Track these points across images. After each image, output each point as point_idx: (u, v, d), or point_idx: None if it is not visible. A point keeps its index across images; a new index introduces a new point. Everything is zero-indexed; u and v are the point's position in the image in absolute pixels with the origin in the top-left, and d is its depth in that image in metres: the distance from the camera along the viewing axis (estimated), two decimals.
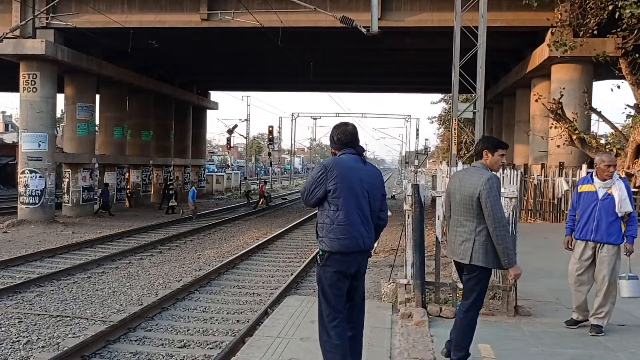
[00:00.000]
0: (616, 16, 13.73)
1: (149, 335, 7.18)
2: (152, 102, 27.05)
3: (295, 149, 75.96)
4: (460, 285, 6.09)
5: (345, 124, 3.84)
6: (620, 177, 5.17)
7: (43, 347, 6.64)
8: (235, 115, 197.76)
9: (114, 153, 24.20)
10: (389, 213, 4.01)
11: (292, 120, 58.97)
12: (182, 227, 18.76)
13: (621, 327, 5.43)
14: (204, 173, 36.22)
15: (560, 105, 15.54)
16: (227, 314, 8.28)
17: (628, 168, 14.69)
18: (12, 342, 6.75)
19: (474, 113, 14.75)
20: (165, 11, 17.72)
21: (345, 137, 3.76)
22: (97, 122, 23.96)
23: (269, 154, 48.45)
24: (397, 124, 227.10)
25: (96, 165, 22.81)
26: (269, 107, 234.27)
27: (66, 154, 21.53)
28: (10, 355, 6.37)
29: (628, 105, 15.87)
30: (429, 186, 12.01)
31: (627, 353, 4.73)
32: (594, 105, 16.54)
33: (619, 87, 16.79)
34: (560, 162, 16.38)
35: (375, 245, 4.05)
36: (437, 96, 44.06)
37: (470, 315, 4.15)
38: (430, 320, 5.59)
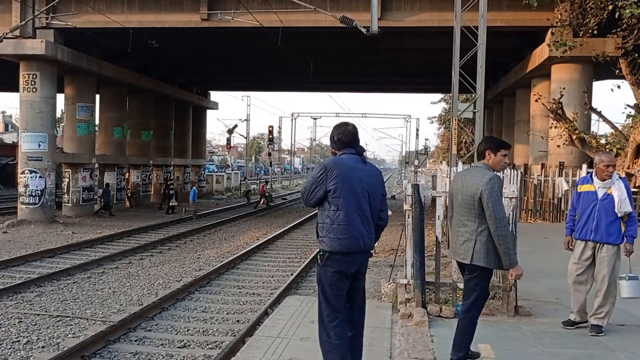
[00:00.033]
0: (616, 16, 13.73)
1: (149, 335, 7.18)
2: (152, 102, 27.05)
3: (295, 149, 75.98)
4: (461, 285, 6.10)
5: (346, 124, 3.84)
6: (619, 177, 5.17)
7: (43, 347, 6.64)
8: (235, 115, 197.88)
9: (114, 153, 24.21)
10: (390, 213, 4.01)
11: (292, 120, 59.00)
12: (182, 227, 18.76)
13: (621, 327, 5.43)
14: (204, 173, 36.22)
15: (560, 105, 15.54)
16: (227, 314, 8.28)
17: (628, 168, 14.69)
18: (12, 342, 6.75)
19: (474, 113, 14.74)
20: (165, 11, 17.72)
21: (346, 137, 3.76)
22: (97, 122, 23.97)
23: (269, 154, 48.47)
24: (397, 124, 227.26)
25: (96, 165, 22.82)
26: (269, 107, 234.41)
27: (66, 154, 21.53)
28: (10, 355, 6.37)
29: (628, 105, 15.88)
30: (429, 186, 12.02)
31: (627, 353, 4.73)
32: (594, 105, 16.55)
33: (619, 87, 16.81)
34: (560, 162, 16.38)
35: (375, 245, 4.06)
36: (437, 96, 44.09)
37: (471, 315, 4.15)
38: (430, 320, 5.59)
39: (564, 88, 15.93)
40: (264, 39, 17.19)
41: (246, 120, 48.48)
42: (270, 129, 43.86)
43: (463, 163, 10.60)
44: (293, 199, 34.53)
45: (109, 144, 24.33)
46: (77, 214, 20.99)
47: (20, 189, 18.92)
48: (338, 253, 3.58)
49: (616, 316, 5.41)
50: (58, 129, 35.55)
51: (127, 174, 25.95)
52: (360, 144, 3.87)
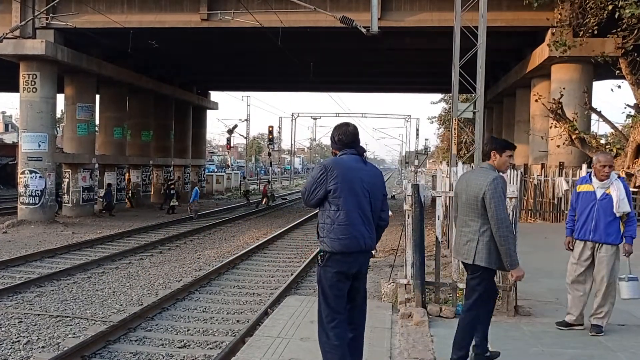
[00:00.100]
0: (616, 16, 13.73)
1: (149, 335, 7.18)
2: (152, 102, 27.05)
3: (295, 149, 76.00)
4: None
5: (346, 124, 3.84)
6: (618, 177, 5.17)
7: (43, 347, 6.64)
8: (235, 115, 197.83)
9: (114, 153, 24.21)
10: (390, 213, 4.01)
11: (292, 120, 59.03)
12: (182, 227, 18.76)
13: (621, 327, 5.43)
14: (204, 173, 36.23)
15: (560, 105, 15.54)
16: (227, 314, 8.28)
17: (628, 168, 14.69)
18: (12, 342, 6.75)
19: (474, 113, 14.73)
20: (165, 11, 17.72)
21: (346, 137, 3.76)
22: (97, 122, 23.97)
23: (269, 154, 48.46)
24: (397, 124, 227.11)
25: (96, 166, 22.82)
26: (269, 107, 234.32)
27: (66, 154, 21.53)
28: (10, 355, 6.38)
29: (628, 105, 15.88)
30: (429, 186, 12.02)
31: (627, 353, 4.73)
32: (594, 105, 16.55)
33: (619, 87, 16.82)
34: (560, 162, 16.38)
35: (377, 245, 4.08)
36: (437, 96, 44.09)
37: (472, 314, 4.15)
38: (430, 320, 5.60)
39: (564, 88, 15.93)
40: (264, 39, 17.19)
41: (246, 120, 48.49)
42: (270, 129, 43.85)
43: (463, 163, 10.59)
44: (293, 199, 34.54)
45: (109, 144, 24.33)
46: (77, 214, 20.99)
47: (20, 189, 18.92)
48: (339, 253, 3.58)
49: (616, 316, 5.41)
50: (58, 129, 35.55)
51: (127, 174, 25.97)
52: (361, 144, 3.87)
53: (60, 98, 23.16)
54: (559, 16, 15.88)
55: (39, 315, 7.91)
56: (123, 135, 24.68)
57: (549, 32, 16.35)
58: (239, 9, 16.43)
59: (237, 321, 7.82)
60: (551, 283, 7.18)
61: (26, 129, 18.76)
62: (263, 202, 28.54)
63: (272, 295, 9.05)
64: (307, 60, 22.08)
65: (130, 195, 25.71)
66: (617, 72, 15.20)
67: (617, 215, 5.03)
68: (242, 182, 41.00)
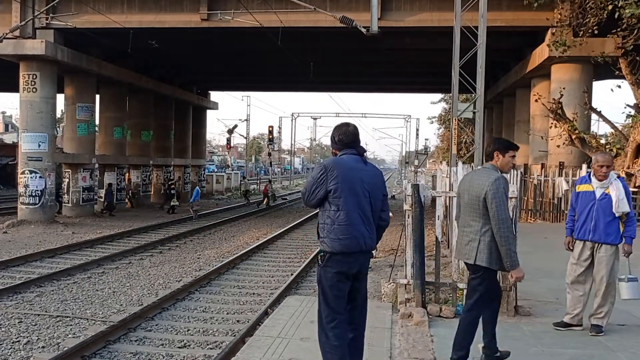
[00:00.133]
0: (616, 16, 13.73)
1: (149, 335, 7.18)
2: (152, 102, 27.05)
3: (295, 149, 75.99)
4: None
5: (347, 124, 3.83)
6: (618, 177, 5.17)
7: (43, 347, 6.64)
8: (235, 115, 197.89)
9: (114, 153, 24.22)
10: (390, 214, 4.01)
11: (292, 120, 59.03)
12: (182, 227, 18.76)
13: (621, 327, 5.43)
14: (204, 173, 36.24)
15: (560, 105, 15.54)
16: (227, 314, 8.28)
17: (628, 168, 14.69)
18: (12, 343, 6.75)
19: (474, 113, 14.74)
20: (165, 11, 17.72)
21: (347, 137, 3.76)
22: (97, 122, 23.97)
23: (269, 154, 48.52)
24: (397, 124, 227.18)
25: (96, 166, 22.83)
26: (269, 107, 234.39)
27: (66, 154, 21.53)
28: (10, 355, 6.38)
29: (628, 105, 15.88)
30: (429, 186, 12.02)
31: (627, 353, 4.73)
32: (594, 105, 16.55)
33: (619, 87, 16.80)
34: (560, 162, 16.38)
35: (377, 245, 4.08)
36: (437, 96, 44.09)
37: (473, 314, 4.16)
38: (430, 320, 5.60)
39: (563, 88, 15.93)
40: (264, 39, 17.19)
41: (246, 120, 48.49)
42: (270, 129, 43.87)
43: (463, 163, 10.59)
44: (293, 199, 34.54)
45: (109, 144, 24.34)
46: (77, 214, 20.99)
47: (20, 189, 18.92)
48: (339, 253, 3.58)
49: (616, 316, 5.41)
50: (58, 129, 35.56)
51: (127, 174, 25.98)
52: (361, 144, 3.87)
53: (60, 98, 23.18)
54: (559, 16, 15.88)
55: (39, 315, 7.92)
56: (123, 135, 24.68)
57: (549, 32, 16.35)
58: (239, 9, 16.43)
59: (237, 321, 7.82)
60: (551, 283, 7.18)
61: (26, 129, 18.77)
62: (264, 202, 28.58)
63: (272, 295, 9.05)
64: (307, 60, 22.08)
65: (130, 195, 25.72)
66: (617, 72, 15.20)
67: (617, 215, 5.03)
68: (242, 182, 41.00)
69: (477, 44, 14.13)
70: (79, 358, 6.19)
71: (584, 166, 14.56)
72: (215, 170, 51.98)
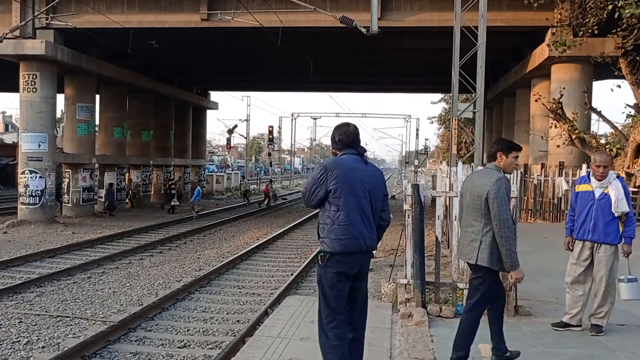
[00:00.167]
0: (616, 16, 13.73)
1: (149, 335, 7.18)
2: (152, 102, 27.05)
3: (295, 149, 76.00)
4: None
5: (347, 124, 3.83)
6: (617, 177, 5.17)
7: (43, 347, 6.64)
8: (235, 115, 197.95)
9: (114, 153, 24.22)
10: (390, 215, 4.01)
11: (292, 120, 59.03)
12: (182, 227, 18.76)
13: (621, 327, 5.43)
14: (204, 173, 36.25)
15: (560, 105, 15.54)
16: (227, 314, 8.28)
17: (628, 168, 14.69)
18: (13, 343, 6.75)
19: (474, 113, 14.75)
20: (165, 11, 17.73)
21: (347, 137, 3.75)
22: (97, 122, 23.97)
23: (269, 154, 48.55)
24: (397, 124, 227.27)
25: (96, 166, 22.84)
26: (269, 107, 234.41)
27: (66, 154, 21.53)
28: (10, 355, 6.38)
29: (628, 105, 15.88)
30: (429, 186, 12.02)
31: (627, 353, 4.73)
32: (594, 105, 16.55)
33: (619, 86, 16.79)
34: (560, 162, 16.38)
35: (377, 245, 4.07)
36: (437, 96, 44.10)
37: (474, 314, 4.16)
38: (430, 320, 5.60)
39: (563, 88, 15.93)
40: (264, 39, 17.19)
41: (246, 120, 48.47)
42: (270, 129, 43.87)
43: (463, 163, 10.59)
44: (293, 199, 34.53)
45: (109, 144, 24.33)
46: (77, 214, 20.99)
47: (21, 189, 18.92)
48: (339, 254, 3.57)
49: (616, 316, 5.41)
50: (58, 129, 35.57)
51: (127, 174, 26.00)
52: (361, 144, 3.87)
53: (60, 98, 23.18)
54: (559, 16, 15.89)
55: (39, 315, 7.92)
56: (123, 135, 24.68)
57: (549, 32, 16.36)
58: (239, 9, 16.43)
59: (237, 321, 7.82)
60: (551, 283, 7.18)
61: (26, 129, 18.77)
62: (265, 202, 28.68)
63: (272, 295, 9.05)
64: (307, 60, 22.08)
65: (131, 195, 25.74)
66: (617, 72, 15.20)
67: (616, 215, 5.03)
68: (241, 182, 41.01)
69: (477, 44, 14.14)
70: (79, 358, 6.19)
71: (584, 166, 14.56)
72: (215, 170, 51.98)
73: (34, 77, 18.47)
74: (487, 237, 4.04)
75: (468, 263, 4.25)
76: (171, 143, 29.51)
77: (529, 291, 6.61)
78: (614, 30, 14.51)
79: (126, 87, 24.32)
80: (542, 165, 16.75)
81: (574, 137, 15.59)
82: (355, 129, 3.81)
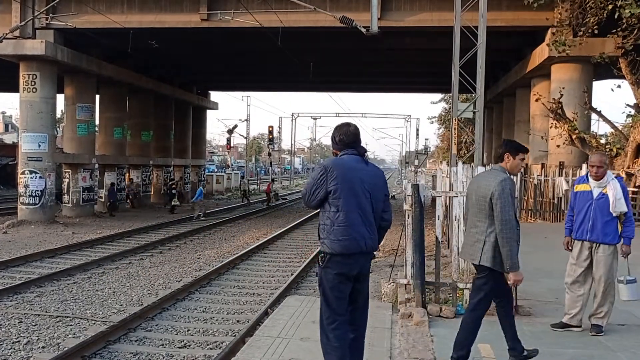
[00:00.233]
0: (616, 16, 13.73)
1: (149, 335, 7.18)
2: (152, 102, 27.06)
3: (295, 149, 75.98)
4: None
5: (347, 124, 3.82)
6: (615, 177, 5.17)
7: (43, 347, 6.65)
8: (235, 115, 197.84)
9: (114, 153, 24.22)
10: (391, 216, 4.00)
11: (292, 120, 59.03)
12: (182, 228, 18.77)
13: (621, 327, 5.43)
14: (204, 173, 36.26)
15: (560, 105, 15.54)
16: (228, 314, 8.28)
17: (628, 168, 14.69)
18: (13, 343, 6.75)
19: (474, 113, 14.75)
20: (165, 11, 17.73)
21: (347, 137, 3.74)
22: (97, 122, 23.98)
23: (269, 154, 48.51)
24: (397, 124, 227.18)
25: (96, 166, 22.84)
26: (269, 107, 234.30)
27: (66, 154, 21.53)
28: (10, 355, 6.38)
29: (628, 105, 15.89)
30: (429, 186, 12.02)
31: (627, 353, 4.73)
32: (594, 105, 16.55)
33: (619, 86, 16.80)
34: (560, 162, 16.39)
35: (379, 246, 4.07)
36: (437, 96, 44.09)
37: (476, 314, 4.17)
38: (430, 320, 5.60)
39: (563, 88, 15.93)
40: (264, 39, 17.20)
41: (246, 120, 48.44)
42: (270, 129, 43.85)
43: (463, 163, 10.59)
44: (293, 199, 34.53)
45: (109, 144, 24.34)
46: (77, 214, 20.99)
47: (21, 189, 18.92)
48: (339, 255, 3.56)
49: (616, 316, 5.41)
50: (58, 129, 35.56)
51: (127, 175, 26.01)
52: (362, 144, 3.87)
53: (60, 98, 23.18)
54: (559, 16, 15.89)
55: (39, 315, 7.92)
56: (123, 135, 24.68)
57: (549, 32, 16.36)
58: (239, 9, 16.43)
59: (237, 321, 7.82)
60: (551, 283, 7.18)
61: (26, 129, 18.77)
62: (267, 202, 28.86)
63: (272, 295, 9.05)
64: (307, 60, 22.08)
65: (132, 195, 25.76)
66: (617, 72, 15.19)
67: (614, 215, 5.03)
68: (241, 182, 41.01)
69: (477, 44, 14.14)
70: (79, 358, 6.19)
71: (584, 166, 14.54)
72: (215, 170, 51.99)
73: (34, 77, 18.47)
74: (491, 237, 4.04)
75: (472, 263, 4.26)
76: (171, 143, 29.51)
77: (529, 291, 6.61)
78: (614, 30, 14.51)
79: (126, 87, 24.32)
80: (542, 165, 16.75)
81: (574, 137, 15.59)
82: (356, 129, 3.79)
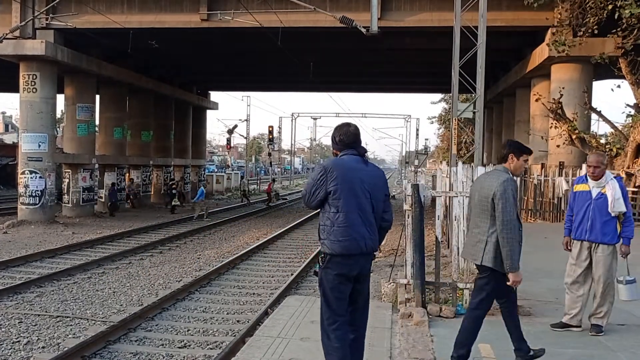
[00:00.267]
0: (616, 16, 13.74)
1: (149, 335, 7.18)
2: (152, 102, 27.06)
3: (295, 149, 75.98)
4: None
5: (348, 124, 3.81)
6: (614, 177, 5.18)
7: (43, 347, 6.65)
8: (235, 116, 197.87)
9: (114, 153, 24.22)
10: (392, 216, 4.00)
11: (292, 120, 59.02)
12: (182, 228, 18.77)
13: (621, 326, 5.43)
14: (204, 173, 36.26)
15: (560, 105, 15.54)
16: (227, 314, 8.29)
17: (628, 168, 14.69)
18: (13, 343, 6.75)
19: (474, 113, 14.74)
20: (165, 11, 17.73)
21: (348, 138, 3.74)
22: (97, 122, 23.98)
23: (269, 154, 48.53)
24: (397, 124, 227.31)
25: (96, 166, 22.84)
26: (269, 107, 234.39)
27: (66, 154, 21.53)
28: (10, 355, 6.38)
29: (628, 105, 15.89)
30: (429, 186, 12.02)
31: (627, 353, 4.73)
32: (594, 105, 16.55)
33: (619, 86, 16.81)
34: (560, 162, 16.39)
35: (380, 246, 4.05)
36: (437, 96, 44.10)
37: (476, 314, 4.17)
38: (430, 320, 5.60)
39: (563, 88, 15.94)
40: (264, 39, 17.20)
41: (246, 120, 48.43)
42: (270, 129, 43.85)
43: (463, 163, 10.59)
44: (293, 199, 34.53)
45: (109, 144, 24.34)
46: (77, 215, 20.99)
47: (21, 189, 18.92)
48: (339, 255, 3.56)
49: (616, 316, 5.41)
50: (58, 129, 35.57)
51: (127, 175, 26.01)
52: (362, 144, 3.86)
53: (60, 98, 23.19)
54: (559, 16, 15.89)
55: (39, 315, 7.92)
56: (123, 135, 24.68)
57: (549, 31, 16.36)
58: (239, 9, 16.44)
59: (237, 321, 7.82)
60: (551, 283, 7.18)
61: (26, 129, 18.77)
62: (269, 201, 28.95)
63: (272, 295, 9.05)
64: (307, 60, 22.08)
65: (133, 195, 25.77)
66: (617, 72, 15.20)
67: (613, 215, 5.03)
68: (241, 183, 41.01)
69: (477, 44, 14.14)
70: (79, 358, 6.19)
71: (584, 166, 14.54)
72: (215, 170, 51.98)
73: (34, 77, 18.47)
74: (493, 238, 4.05)
75: (474, 263, 4.27)
76: (171, 143, 29.52)
77: (529, 291, 6.61)
78: (614, 30, 14.51)
79: (126, 87, 24.32)
80: (542, 165, 16.75)
81: (574, 137, 15.60)
82: (356, 129, 3.78)
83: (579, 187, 5.29)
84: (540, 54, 17.12)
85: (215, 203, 30.49)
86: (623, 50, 14.89)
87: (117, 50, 20.76)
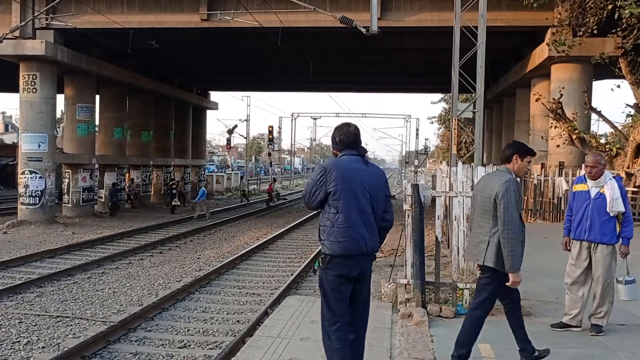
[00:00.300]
0: (616, 16, 13.74)
1: (149, 335, 7.18)
2: (152, 102, 27.06)
3: (295, 149, 76.00)
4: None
5: (348, 124, 3.80)
6: (613, 177, 5.17)
7: (43, 347, 6.65)
8: (235, 116, 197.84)
9: (114, 153, 24.22)
10: (392, 216, 3.99)
11: (292, 120, 59.04)
12: (182, 228, 18.77)
13: (621, 326, 5.43)
14: (204, 173, 36.26)
15: (560, 105, 15.55)
16: (227, 314, 8.29)
17: (628, 168, 14.69)
18: (13, 343, 6.76)
19: (474, 113, 14.75)
20: (165, 11, 17.73)
21: (348, 138, 3.73)
22: (97, 122, 23.98)
23: (269, 154, 48.52)
24: (397, 124, 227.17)
25: (96, 166, 22.84)
26: (269, 107, 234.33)
27: (66, 154, 21.53)
28: (10, 355, 6.38)
29: (628, 105, 15.89)
30: (429, 186, 12.02)
31: (627, 353, 4.73)
32: (594, 105, 16.56)
33: (619, 86, 16.81)
34: (560, 162, 16.39)
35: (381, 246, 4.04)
36: (437, 96, 44.12)
37: (477, 313, 4.17)
38: (430, 320, 5.60)
39: (563, 88, 15.94)
40: (264, 39, 17.20)
41: (246, 120, 48.43)
42: (270, 129, 43.85)
43: (463, 163, 10.59)
44: (293, 199, 34.53)
45: (109, 144, 24.34)
46: (77, 215, 20.99)
47: (21, 189, 18.92)
48: (339, 256, 3.55)
49: (616, 316, 5.41)
50: (58, 129, 35.57)
51: (127, 175, 26.02)
52: (362, 144, 3.86)
53: (60, 98, 23.18)
54: (559, 16, 15.89)
55: (39, 315, 7.92)
56: (123, 135, 24.69)
57: (549, 31, 16.36)
58: (239, 9, 16.44)
59: (237, 321, 7.82)
60: (551, 283, 7.18)
61: (26, 129, 18.77)
62: (269, 201, 28.98)
63: (272, 295, 9.05)
64: (307, 60, 22.08)
65: (133, 195, 25.78)
66: (617, 72, 15.20)
67: (611, 214, 5.03)
68: (240, 183, 41.01)
69: (477, 44, 14.14)
70: (79, 358, 6.19)
71: (584, 166, 14.54)
72: (215, 170, 51.98)
73: (34, 77, 18.47)
74: (495, 238, 4.05)
75: (477, 263, 4.27)
76: (171, 143, 29.52)
77: (529, 291, 6.61)
78: (614, 30, 14.51)
79: (126, 87, 24.32)
80: (542, 165, 16.75)
81: (574, 137, 15.60)
82: (356, 129, 3.78)
83: (578, 187, 5.29)
84: (540, 54, 17.12)
85: (215, 203, 30.50)
86: (623, 50, 14.89)
87: (117, 50, 20.76)
